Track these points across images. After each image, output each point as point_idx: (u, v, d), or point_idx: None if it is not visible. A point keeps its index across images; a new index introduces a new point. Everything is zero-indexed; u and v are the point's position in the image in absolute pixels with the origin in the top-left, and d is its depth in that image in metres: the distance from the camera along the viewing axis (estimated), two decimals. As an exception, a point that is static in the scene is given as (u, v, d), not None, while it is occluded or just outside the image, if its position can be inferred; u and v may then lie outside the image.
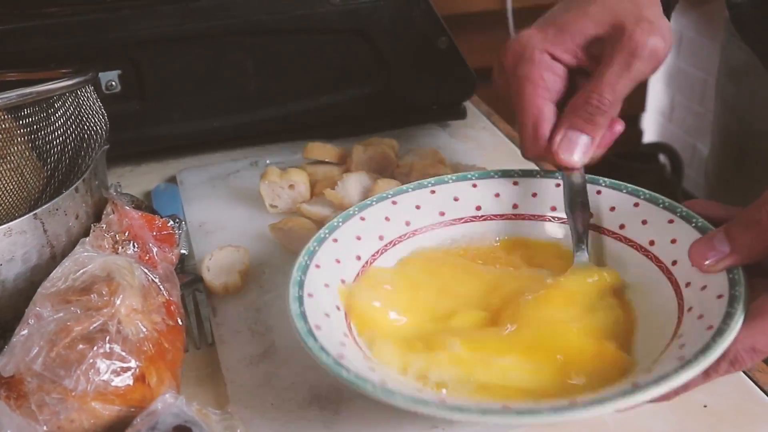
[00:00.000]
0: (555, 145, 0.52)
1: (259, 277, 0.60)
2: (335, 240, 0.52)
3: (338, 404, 0.48)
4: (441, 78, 0.82)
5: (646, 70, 0.51)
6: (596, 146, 0.52)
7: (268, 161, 0.77)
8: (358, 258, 0.53)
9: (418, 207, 0.56)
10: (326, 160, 0.72)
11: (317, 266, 0.50)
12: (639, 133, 2.33)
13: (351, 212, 0.54)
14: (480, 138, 0.84)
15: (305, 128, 0.81)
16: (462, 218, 0.57)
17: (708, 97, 1.98)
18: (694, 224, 0.50)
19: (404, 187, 0.57)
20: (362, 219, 0.54)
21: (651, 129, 2.35)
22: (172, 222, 0.61)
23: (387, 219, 0.55)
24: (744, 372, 0.51)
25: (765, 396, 0.49)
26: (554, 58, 0.53)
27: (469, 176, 0.58)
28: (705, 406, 0.48)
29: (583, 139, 0.52)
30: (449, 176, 0.58)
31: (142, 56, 0.75)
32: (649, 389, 0.39)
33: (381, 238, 0.55)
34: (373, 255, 0.54)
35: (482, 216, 0.57)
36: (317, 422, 0.47)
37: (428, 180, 0.58)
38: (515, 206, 0.57)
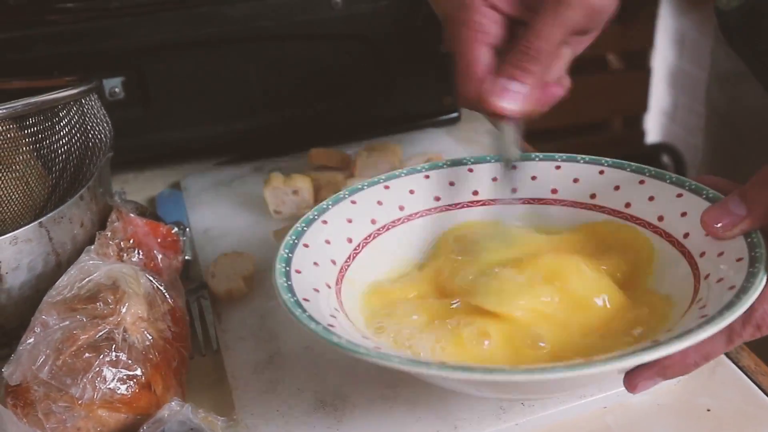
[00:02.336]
0: (485, 88, 0.51)
1: (264, 283, 0.60)
2: (325, 222, 0.51)
3: (343, 411, 0.48)
4: (443, 83, 0.83)
5: (578, 18, 0.50)
6: (529, 98, 0.51)
7: (271, 167, 0.77)
8: (350, 240, 0.52)
9: (411, 192, 0.55)
10: (330, 165, 0.72)
11: (305, 245, 0.49)
12: (642, 134, 2.33)
13: (342, 195, 0.54)
14: (483, 141, 0.84)
15: (309, 133, 0.81)
16: (458, 203, 0.56)
17: (710, 97, 1.98)
18: (704, 196, 0.49)
19: (396, 172, 0.56)
20: (353, 202, 0.54)
21: (654, 130, 2.34)
22: (176, 228, 0.61)
23: (379, 203, 0.54)
24: (747, 375, 0.51)
25: (768, 399, 0.49)
26: (492, 6, 0.53)
27: (465, 161, 0.57)
28: (708, 410, 0.48)
29: (514, 86, 0.50)
30: (444, 161, 0.57)
31: (145, 63, 0.75)
32: (670, 344, 0.37)
33: (373, 221, 0.54)
34: (365, 239, 0.53)
35: (480, 201, 0.56)
36: (322, 428, 0.47)
37: (422, 165, 0.57)
38: (514, 190, 0.56)
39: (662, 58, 2.22)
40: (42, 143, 0.54)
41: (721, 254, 0.45)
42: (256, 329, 0.56)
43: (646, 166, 0.53)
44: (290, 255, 0.47)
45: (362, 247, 0.53)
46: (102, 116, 0.60)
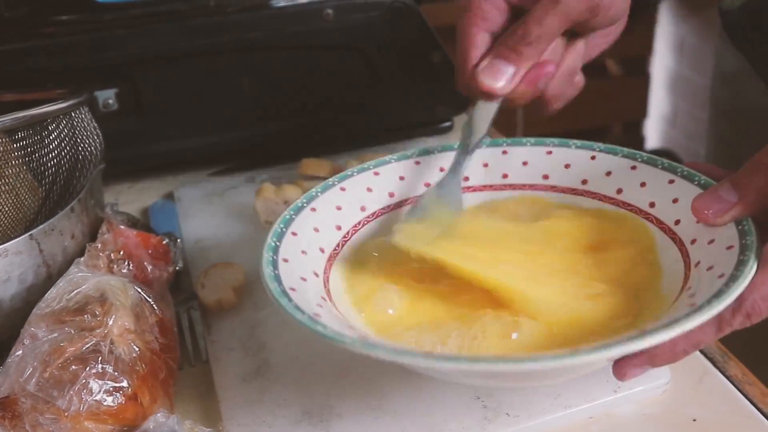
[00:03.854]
0: (478, 68, 0.52)
1: (254, 294, 0.61)
2: (313, 209, 0.51)
3: (329, 421, 0.49)
4: (436, 92, 0.83)
5: (578, 9, 0.51)
6: (520, 79, 0.52)
7: (263, 177, 0.77)
8: (338, 228, 0.52)
9: (401, 178, 0.55)
10: (321, 175, 0.73)
11: (294, 234, 0.49)
12: (641, 140, 2.33)
13: (331, 182, 0.53)
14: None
15: (300, 144, 0.82)
16: None
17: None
18: (696, 182, 0.48)
19: (387, 157, 0.56)
20: (342, 189, 0.53)
21: (654, 135, 2.35)
22: (167, 239, 0.62)
23: (369, 190, 0.54)
24: (734, 385, 0.51)
25: (754, 409, 0.49)
26: None
27: (455, 147, 0.56)
28: (694, 420, 0.48)
29: (506, 68, 0.51)
30: (434, 147, 0.56)
31: (139, 74, 0.76)
32: (657, 333, 0.37)
33: (363, 209, 0.53)
34: (355, 226, 0.53)
35: (470, 187, 0.56)
36: (309, 439, 0.48)
37: (412, 151, 0.56)
38: (505, 176, 0.56)
39: (661, 63, 2.22)
40: (32, 156, 0.54)
41: (711, 242, 0.45)
42: (245, 340, 0.56)
43: (638, 152, 0.53)
44: (278, 243, 0.47)
45: (351, 235, 0.52)
46: (92, 129, 0.60)
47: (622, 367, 0.43)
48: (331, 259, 0.50)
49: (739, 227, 0.44)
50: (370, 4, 0.77)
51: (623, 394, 0.49)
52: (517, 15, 0.54)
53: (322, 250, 0.50)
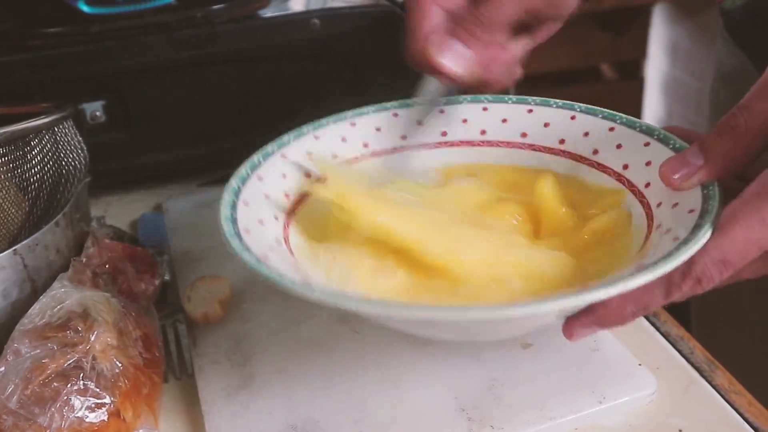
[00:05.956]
0: (429, 43, 0.51)
1: (240, 307, 0.60)
2: (284, 156, 0.50)
3: (313, 435, 0.49)
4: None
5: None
6: (470, 59, 0.52)
7: (252, 188, 0.77)
8: (308, 175, 0.51)
9: (378, 129, 0.55)
10: (309, 185, 0.73)
11: (259, 178, 0.48)
12: (637, 143, 2.33)
13: (305, 131, 0.53)
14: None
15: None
16: (426, 143, 0.55)
17: (704, 105, 1.98)
18: (671, 146, 0.48)
19: (364, 109, 0.55)
20: (316, 138, 0.53)
21: (649, 138, 2.35)
22: (154, 252, 0.62)
23: (343, 139, 0.53)
24: (721, 394, 0.51)
25: (741, 419, 0.49)
26: None
27: (436, 102, 0.55)
28: (680, 430, 0.48)
29: (458, 47, 0.51)
30: (414, 100, 0.55)
31: (127, 86, 0.76)
32: (596, 291, 0.36)
33: (335, 156, 0.53)
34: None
35: (447, 142, 0.56)
36: (293, 453, 0.48)
37: (391, 103, 0.56)
38: (483, 132, 0.56)
39: (655, 67, 2.22)
40: (15, 171, 0.54)
41: (675, 205, 0.44)
42: (230, 353, 0.56)
43: (618, 113, 0.53)
44: (240, 186, 0.46)
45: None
46: (77, 143, 0.60)
47: (570, 326, 0.43)
48: (297, 204, 0.49)
49: (704, 192, 0.43)
50: (357, 14, 0.77)
51: (609, 405, 0.49)
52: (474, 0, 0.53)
53: (287, 195, 0.49)
